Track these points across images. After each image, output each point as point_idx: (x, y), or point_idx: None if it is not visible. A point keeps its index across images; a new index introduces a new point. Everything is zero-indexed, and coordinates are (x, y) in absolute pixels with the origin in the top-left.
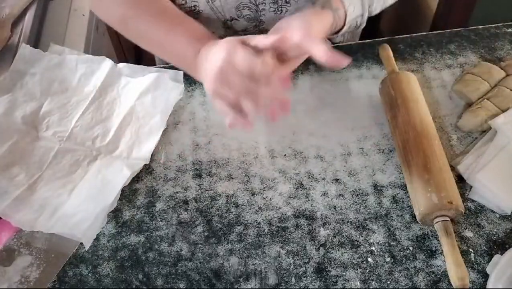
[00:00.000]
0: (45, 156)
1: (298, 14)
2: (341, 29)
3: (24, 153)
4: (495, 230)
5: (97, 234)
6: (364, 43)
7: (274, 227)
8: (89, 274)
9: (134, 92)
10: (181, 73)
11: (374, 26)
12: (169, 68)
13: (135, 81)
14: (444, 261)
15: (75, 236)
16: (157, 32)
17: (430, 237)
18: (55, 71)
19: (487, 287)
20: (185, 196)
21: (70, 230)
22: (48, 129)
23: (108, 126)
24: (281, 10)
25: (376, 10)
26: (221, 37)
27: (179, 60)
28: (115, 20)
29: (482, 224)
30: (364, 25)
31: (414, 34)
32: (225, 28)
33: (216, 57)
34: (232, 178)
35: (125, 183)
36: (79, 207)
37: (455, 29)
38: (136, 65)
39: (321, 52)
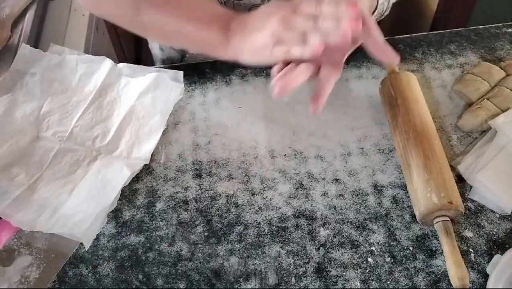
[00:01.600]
0: (45, 156)
1: None
2: (373, 13)
3: (24, 153)
4: (495, 230)
5: (97, 234)
6: None
7: (274, 227)
8: (89, 274)
9: (134, 92)
10: (181, 73)
11: None
12: (169, 68)
13: (135, 81)
14: (444, 261)
15: (75, 236)
16: (175, 15)
17: (430, 237)
18: (55, 71)
19: (487, 287)
20: (185, 196)
21: (70, 230)
22: (48, 129)
23: (108, 126)
24: None
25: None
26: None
27: (201, 41)
28: (123, 8)
29: (482, 224)
30: (387, 12)
31: (414, 34)
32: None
33: (269, 13)
34: (232, 178)
35: (125, 183)
36: (79, 207)
37: (455, 29)
38: (136, 65)
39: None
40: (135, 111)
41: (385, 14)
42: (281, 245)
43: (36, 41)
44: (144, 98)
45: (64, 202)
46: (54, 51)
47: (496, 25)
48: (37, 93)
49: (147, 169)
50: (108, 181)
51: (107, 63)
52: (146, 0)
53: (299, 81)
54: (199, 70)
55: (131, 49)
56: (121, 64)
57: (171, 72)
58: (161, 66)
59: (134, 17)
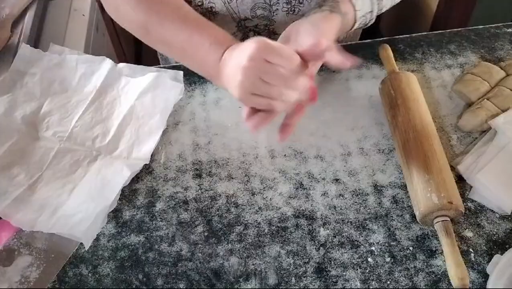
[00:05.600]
0: (45, 156)
1: (305, 19)
2: (351, 28)
3: (24, 153)
4: (495, 230)
5: (97, 234)
6: (364, 43)
7: (274, 227)
8: (89, 274)
9: (134, 91)
10: (181, 73)
11: (374, 26)
12: (169, 68)
13: (135, 81)
14: (444, 261)
15: (75, 236)
16: (180, 37)
17: (430, 237)
18: (55, 71)
19: (487, 287)
20: (185, 196)
21: (70, 230)
22: (48, 129)
23: (108, 126)
24: (294, 10)
25: (386, 6)
26: (232, 34)
27: (201, 66)
28: (135, 26)
29: (482, 224)
30: (373, 21)
31: (414, 34)
32: (238, 26)
33: (243, 54)
34: (232, 178)
35: (125, 183)
36: (79, 207)
37: (455, 29)
38: (136, 65)
39: (336, 60)
40: (135, 111)
41: (370, 23)
42: (281, 245)
43: (36, 41)
44: (144, 98)
45: (64, 202)
46: (54, 51)
47: (496, 25)
48: (37, 93)
49: (147, 169)
50: (108, 181)
51: (107, 63)
52: (155, 21)
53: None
54: None
55: (131, 49)
56: (121, 64)
57: (171, 72)
58: (161, 66)
59: (145, 35)
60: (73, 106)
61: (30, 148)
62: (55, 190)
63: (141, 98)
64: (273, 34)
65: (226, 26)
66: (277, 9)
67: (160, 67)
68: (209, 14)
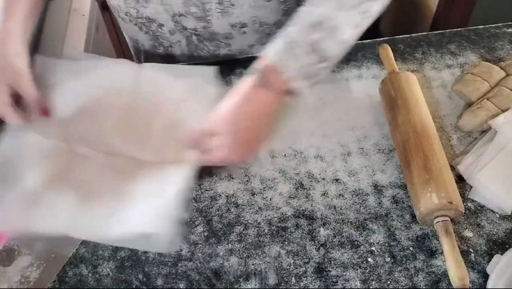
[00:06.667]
0: (92, 171)
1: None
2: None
3: (69, 172)
4: (495, 230)
5: None
6: (364, 43)
7: (274, 227)
8: (89, 274)
9: (170, 98)
10: (211, 70)
11: (374, 26)
12: (200, 64)
13: (172, 86)
14: (444, 261)
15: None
16: None
17: (430, 237)
18: (78, 78)
19: (487, 287)
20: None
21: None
22: (83, 143)
23: (149, 131)
24: (227, 11)
25: (330, 49)
26: (171, 31)
27: None
28: None
29: (482, 224)
30: (326, 67)
31: (414, 34)
32: (175, 22)
33: None
34: (232, 178)
35: (185, 184)
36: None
37: (455, 29)
38: (163, 64)
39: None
40: (176, 118)
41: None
42: (281, 245)
43: (36, 41)
44: (183, 104)
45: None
46: (73, 57)
47: (496, 25)
48: (64, 105)
49: None
50: (161, 182)
51: (131, 66)
52: None
53: None
54: None
55: (131, 49)
56: (146, 64)
57: (203, 71)
58: (191, 63)
59: None
60: (103, 112)
61: (72, 166)
62: (107, 202)
63: (180, 105)
64: (215, 40)
65: (161, 19)
66: (211, 8)
67: (190, 64)
68: (143, 2)
